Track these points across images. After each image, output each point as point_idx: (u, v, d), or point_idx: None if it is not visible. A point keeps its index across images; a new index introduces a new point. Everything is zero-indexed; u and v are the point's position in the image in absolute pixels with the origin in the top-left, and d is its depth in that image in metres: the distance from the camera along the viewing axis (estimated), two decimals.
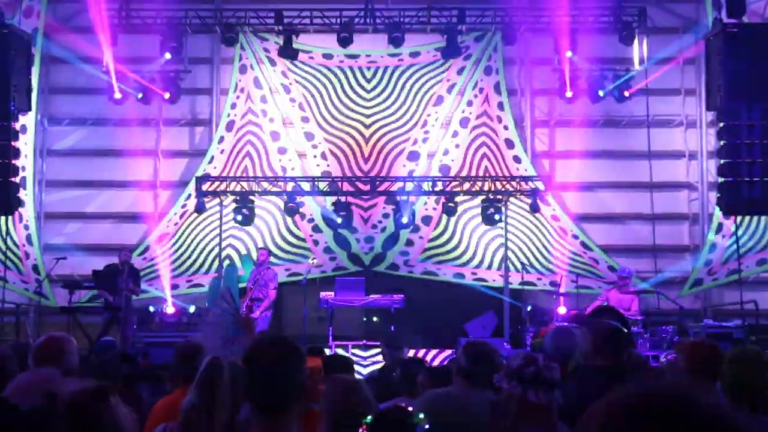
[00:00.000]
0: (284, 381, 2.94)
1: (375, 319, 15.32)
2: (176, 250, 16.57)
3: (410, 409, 3.73)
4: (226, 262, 16.06)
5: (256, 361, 3.02)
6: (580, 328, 4.43)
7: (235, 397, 4.34)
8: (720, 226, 15.95)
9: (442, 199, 16.33)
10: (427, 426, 3.92)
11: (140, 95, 16.30)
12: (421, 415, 4.18)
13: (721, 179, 13.28)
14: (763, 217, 15.22)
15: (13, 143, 13.46)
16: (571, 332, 6.18)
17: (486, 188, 16.33)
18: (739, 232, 14.83)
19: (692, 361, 4.63)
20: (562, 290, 15.27)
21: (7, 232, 14.88)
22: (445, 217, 16.49)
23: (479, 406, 4.34)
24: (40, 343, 5.36)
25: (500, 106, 17.06)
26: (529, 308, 14.56)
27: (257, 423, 2.95)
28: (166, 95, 16.44)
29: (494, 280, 16.21)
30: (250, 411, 3.07)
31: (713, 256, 15.99)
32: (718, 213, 15.25)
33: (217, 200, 16.22)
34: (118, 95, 16.03)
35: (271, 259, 16.15)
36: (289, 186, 16.28)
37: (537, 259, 16.44)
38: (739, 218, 14.53)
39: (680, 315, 14.97)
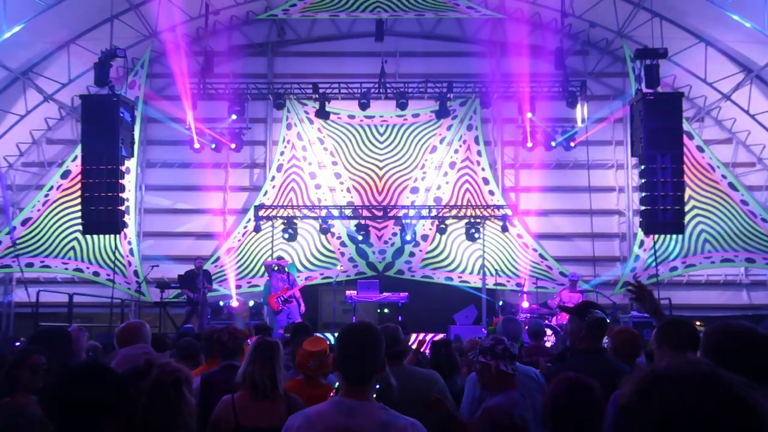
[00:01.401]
0: (366, 357, 2.81)
1: (386, 310, 15.31)
2: (239, 260, 16.64)
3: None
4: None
5: (347, 341, 2.88)
6: (571, 316, 4.40)
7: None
8: (642, 243, 16.00)
9: (436, 222, 16.40)
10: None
11: (213, 146, 16.41)
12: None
13: (642, 207, 13.29)
14: (673, 236, 15.25)
15: (120, 181, 13.50)
16: (516, 321, 6.23)
17: (468, 214, 16.41)
18: (656, 246, 14.91)
19: (619, 343, 4.64)
20: (525, 289, 15.32)
21: (116, 247, 15.01)
22: (438, 235, 16.53)
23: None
24: (122, 328, 5.36)
25: (479, 153, 17.15)
26: (501, 303, 14.53)
27: (346, 388, 2.80)
28: (233, 146, 16.59)
29: (475, 282, 16.20)
30: (338, 380, 2.88)
31: (637, 264, 16.01)
32: (640, 233, 15.25)
33: (270, 223, 16.32)
34: (197, 145, 16.10)
35: (309, 266, 16.32)
36: (323, 212, 16.39)
37: (506, 266, 16.46)
38: (655, 236, 14.58)
39: (613, 308, 14.96)
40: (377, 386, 2.98)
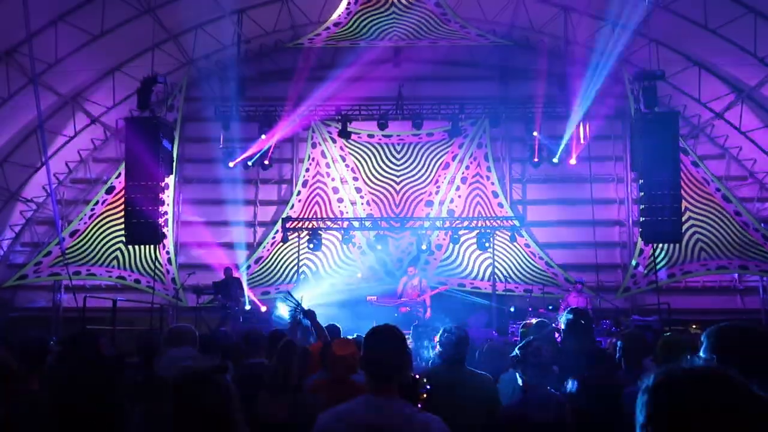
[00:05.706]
0: (391, 356, 2.80)
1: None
2: (268, 268, 16.65)
3: (416, 376, 3.72)
4: (303, 276, 16.12)
5: (373, 342, 2.87)
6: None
7: (302, 368, 4.26)
8: (641, 251, 15.81)
9: (449, 233, 16.33)
10: (428, 386, 3.92)
11: (250, 163, 16.32)
12: (424, 380, 4.20)
13: (642, 218, 13.17)
14: (670, 245, 15.06)
15: (160, 195, 13.57)
16: (547, 324, 6.09)
17: (479, 225, 16.32)
18: (655, 254, 14.71)
19: (629, 344, 4.56)
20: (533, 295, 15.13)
21: (156, 257, 15.05)
22: (451, 244, 16.45)
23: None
24: (172, 330, 5.31)
25: (488, 169, 17.08)
26: (512, 309, 14.28)
27: (372, 388, 2.77)
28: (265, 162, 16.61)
29: (486, 288, 16.05)
30: (365, 379, 2.85)
31: (637, 272, 15.82)
32: (640, 242, 15.09)
33: (296, 234, 16.31)
34: (230, 163, 16.21)
35: (332, 273, 16.26)
36: (345, 224, 16.35)
37: (515, 273, 16.33)
38: (654, 245, 14.39)
39: (615, 312, 14.78)
40: (428, 387, 3.02)
